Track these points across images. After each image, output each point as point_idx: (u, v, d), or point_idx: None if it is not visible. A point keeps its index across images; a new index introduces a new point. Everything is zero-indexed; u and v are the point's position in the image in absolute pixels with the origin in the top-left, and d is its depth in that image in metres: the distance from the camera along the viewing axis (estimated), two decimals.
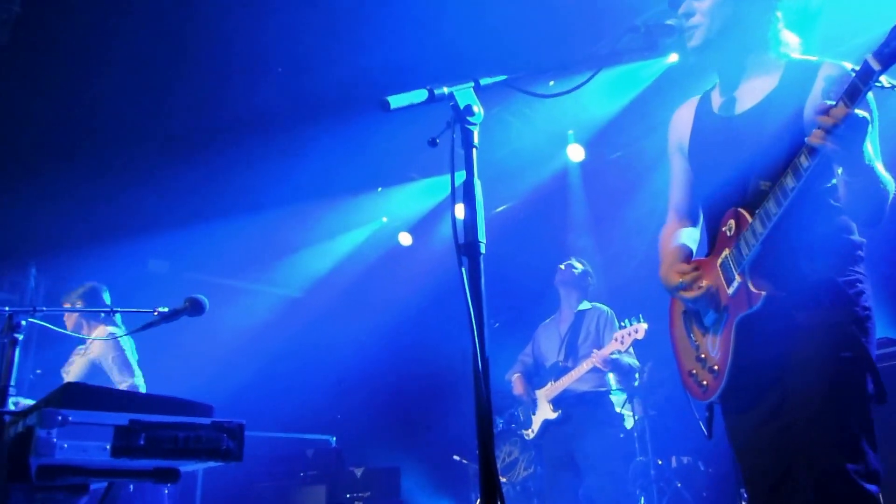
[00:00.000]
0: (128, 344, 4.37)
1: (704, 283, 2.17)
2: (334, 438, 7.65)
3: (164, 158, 6.38)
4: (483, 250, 1.50)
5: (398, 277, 8.40)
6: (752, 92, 2.20)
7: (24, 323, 2.46)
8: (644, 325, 4.39)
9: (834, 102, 1.76)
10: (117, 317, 4.44)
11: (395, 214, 8.51)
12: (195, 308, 2.99)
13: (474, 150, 1.59)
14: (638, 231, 7.11)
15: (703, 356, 2.21)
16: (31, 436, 1.97)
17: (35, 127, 6.01)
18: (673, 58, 5.98)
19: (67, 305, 4.43)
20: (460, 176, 1.61)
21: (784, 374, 2.01)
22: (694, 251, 2.43)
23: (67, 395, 2.08)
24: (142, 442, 2.13)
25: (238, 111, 6.38)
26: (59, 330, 2.73)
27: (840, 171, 1.95)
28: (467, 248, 1.48)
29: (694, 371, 2.25)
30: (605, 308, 4.88)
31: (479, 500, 5.32)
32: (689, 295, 2.20)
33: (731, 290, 2.08)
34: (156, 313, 2.95)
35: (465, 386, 6.03)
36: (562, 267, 5.00)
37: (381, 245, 8.62)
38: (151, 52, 5.66)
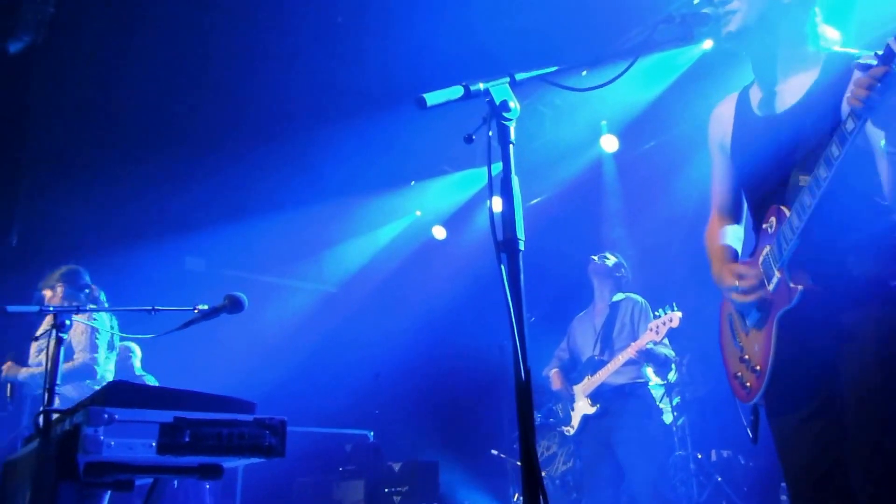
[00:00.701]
0: (104, 328, 4.29)
1: (758, 293, 2.12)
2: (372, 433, 7.69)
3: (199, 157, 6.46)
4: (522, 247, 1.48)
5: (433, 271, 8.40)
6: (792, 89, 2.14)
7: (68, 322, 2.50)
8: (678, 314, 4.32)
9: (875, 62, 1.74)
10: (103, 299, 4.42)
11: (429, 208, 8.52)
12: (234, 305, 3.02)
13: (511, 145, 1.57)
14: (673, 222, 7.01)
15: (746, 357, 2.19)
16: (79, 434, 2.00)
17: (71, 127, 6.11)
18: (707, 44, 5.87)
19: (47, 292, 4.35)
20: (496, 170, 1.59)
21: (831, 373, 1.96)
22: (739, 250, 2.39)
23: (112, 394, 2.12)
24: (187, 439, 2.16)
25: (272, 108, 6.44)
26: (104, 329, 2.77)
27: (883, 143, 1.88)
28: (506, 244, 1.47)
29: (739, 373, 2.23)
30: (638, 298, 4.81)
31: (517, 495, 5.32)
32: (742, 299, 2.16)
33: (771, 287, 2.04)
34: (196, 311, 2.98)
35: (503, 380, 6.05)
36: (594, 258, 4.95)
37: (415, 239, 8.63)
38: (186, 49, 5.73)
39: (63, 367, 4.03)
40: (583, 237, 7.30)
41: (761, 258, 2.11)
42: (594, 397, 4.55)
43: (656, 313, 4.43)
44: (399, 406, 7.89)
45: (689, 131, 6.51)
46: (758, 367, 2.10)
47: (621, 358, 4.46)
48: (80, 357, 4.23)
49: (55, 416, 2.31)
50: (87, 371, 4.23)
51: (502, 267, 1.43)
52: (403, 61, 5.92)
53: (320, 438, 7.07)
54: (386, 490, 6.78)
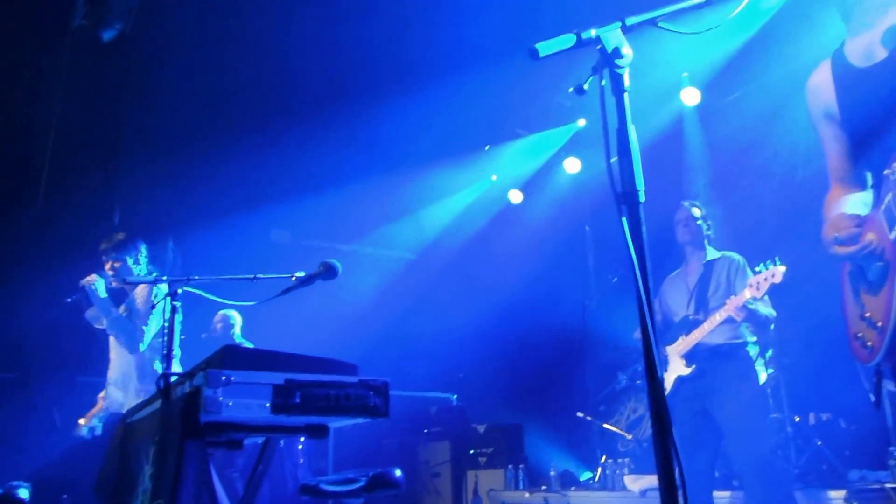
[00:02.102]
0: (159, 302, 4.22)
1: (867, 237, 2.03)
2: (455, 396, 7.79)
3: (280, 131, 6.60)
4: (642, 198, 1.44)
5: (511, 235, 8.37)
6: (890, 31, 2.04)
7: (180, 291, 2.60)
8: (781, 268, 4.00)
9: None
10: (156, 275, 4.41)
11: (505, 172, 8.46)
12: (329, 272, 3.08)
13: (626, 94, 1.52)
14: (762, 175, 6.76)
15: (867, 315, 2.09)
16: (199, 395, 2.09)
17: (161, 110, 6.35)
18: None
19: (108, 265, 4.39)
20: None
21: None
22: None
23: (227, 357, 2.19)
24: (297, 400, 2.23)
25: (348, 78, 6.48)
26: (212, 297, 2.88)
27: None
28: (626, 197, 1.43)
29: (860, 333, 2.13)
30: (736, 256, 4.50)
31: (604, 456, 5.15)
32: (847, 251, 2.06)
33: (892, 236, 1.94)
34: (293, 278, 3.05)
35: (586, 341, 5.91)
36: (678, 226, 4.59)
37: (492, 204, 8.60)
38: (264, 25, 5.80)
39: (121, 313, 4.18)
40: (665, 195, 7.10)
41: (883, 206, 2.02)
42: (689, 358, 4.31)
43: (756, 269, 4.14)
44: (482, 369, 7.94)
45: (777, 79, 6.22)
46: (879, 324, 2.01)
47: (718, 317, 4.19)
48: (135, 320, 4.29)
49: (174, 378, 2.40)
50: (132, 333, 4.21)
51: (624, 220, 1.39)
52: (476, 24, 5.84)
53: (405, 401, 7.17)
54: (472, 451, 6.87)
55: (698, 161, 7.38)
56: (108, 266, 4.28)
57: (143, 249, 4.37)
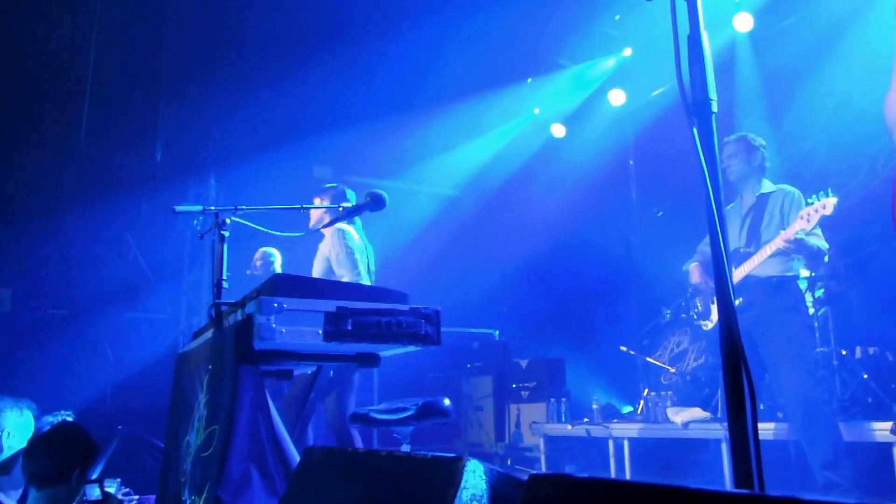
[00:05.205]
0: (355, 243, 4.36)
1: None
2: (497, 332, 7.83)
3: (321, 64, 6.51)
4: (715, 108, 1.36)
5: (554, 169, 8.24)
6: None
7: (228, 221, 2.60)
8: (832, 200, 3.86)
9: None
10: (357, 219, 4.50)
11: (547, 105, 8.26)
12: (376, 202, 3.06)
13: None
14: (816, 103, 6.50)
15: None
16: (252, 322, 2.10)
17: (201, 50, 6.33)
18: None
19: (317, 200, 4.49)
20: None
21: None
22: None
23: (279, 285, 2.19)
24: (349, 327, 2.23)
25: (390, 10, 6.35)
26: (259, 227, 2.88)
27: None
28: (697, 107, 1.35)
29: None
30: (791, 189, 4.36)
31: (647, 390, 5.12)
32: None
33: None
34: (340, 209, 3.03)
35: (630, 275, 5.85)
36: (730, 160, 4.36)
37: (534, 138, 8.44)
38: None
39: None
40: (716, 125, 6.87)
41: None
42: (738, 290, 4.23)
43: (809, 200, 4.03)
44: (525, 304, 7.95)
45: (833, 3, 5.92)
46: None
47: (769, 249, 4.11)
48: (343, 277, 4.21)
49: (225, 307, 2.41)
50: None
51: (695, 130, 1.32)
52: None
53: (449, 337, 7.19)
54: (514, 385, 6.93)
55: (751, 89, 7.11)
56: None
57: None
